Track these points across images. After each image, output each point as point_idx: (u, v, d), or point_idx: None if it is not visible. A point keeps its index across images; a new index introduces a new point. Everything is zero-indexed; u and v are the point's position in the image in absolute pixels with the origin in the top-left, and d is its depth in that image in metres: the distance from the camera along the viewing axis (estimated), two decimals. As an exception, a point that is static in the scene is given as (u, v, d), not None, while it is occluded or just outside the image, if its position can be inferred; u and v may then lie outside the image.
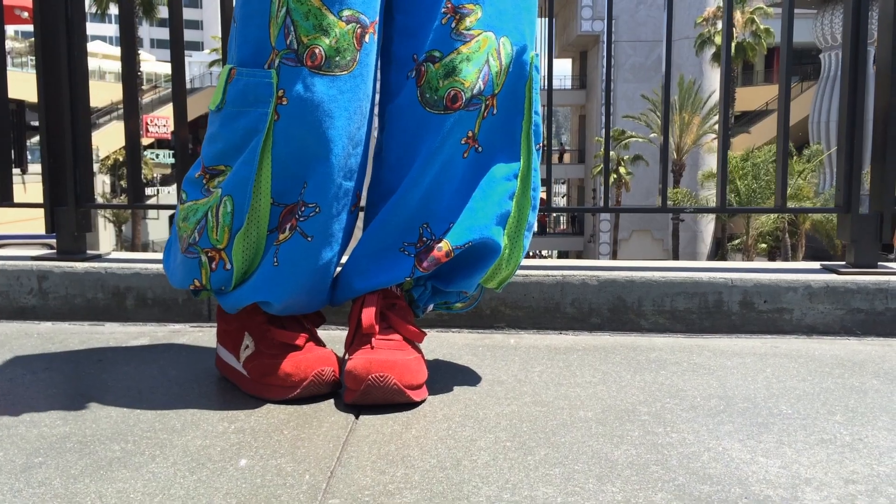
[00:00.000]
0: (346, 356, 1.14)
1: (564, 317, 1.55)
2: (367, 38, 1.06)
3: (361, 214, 1.24)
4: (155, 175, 32.78)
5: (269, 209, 1.09)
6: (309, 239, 1.09)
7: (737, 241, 26.34)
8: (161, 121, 32.27)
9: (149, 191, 31.97)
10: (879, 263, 1.57)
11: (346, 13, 1.04)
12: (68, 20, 1.76)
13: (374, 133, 1.20)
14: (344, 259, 1.24)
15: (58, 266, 1.67)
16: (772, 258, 26.43)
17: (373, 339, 1.12)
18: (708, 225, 32.12)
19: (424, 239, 1.14)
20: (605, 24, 1.75)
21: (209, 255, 1.12)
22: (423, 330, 1.18)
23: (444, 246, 1.12)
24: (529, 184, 1.16)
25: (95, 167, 28.23)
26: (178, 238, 1.17)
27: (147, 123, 31.17)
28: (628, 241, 34.96)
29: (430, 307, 1.25)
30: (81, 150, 1.73)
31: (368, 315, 1.12)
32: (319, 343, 1.18)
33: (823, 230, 25.04)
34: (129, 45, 1.84)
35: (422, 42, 1.11)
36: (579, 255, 38.95)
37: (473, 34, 1.09)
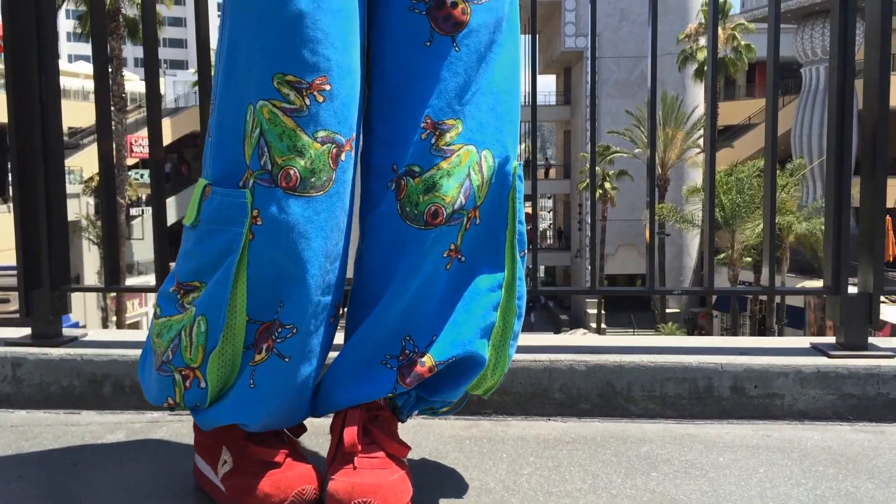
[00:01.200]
0: (328, 474, 1.10)
1: (553, 402, 1.52)
2: (343, 157, 1.04)
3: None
4: (140, 195, 32.57)
5: (245, 326, 1.06)
6: (286, 360, 1.06)
7: (722, 256, 26.43)
8: (145, 140, 32.08)
9: (134, 211, 31.75)
10: (870, 342, 1.55)
11: (320, 134, 1.01)
12: (41, 94, 1.72)
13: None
14: (330, 358, 1.20)
15: (32, 353, 1.62)
16: (757, 271, 26.51)
17: (355, 459, 1.08)
18: (694, 239, 32.30)
19: (407, 351, 1.11)
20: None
21: (183, 373, 1.08)
22: (407, 444, 1.15)
23: (427, 361, 1.09)
24: (514, 293, 1.14)
25: (79, 188, 28.01)
26: (153, 352, 1.13)
27: (131, 143, 30.98)
28: (615, 256, 35.08)
29: (416, 413, 1.21)
30: (56, 229, 1.69)
31: (350, 434, 1.08)
32: (300, 457, 1.14)
33: (808, 244, 25.21)
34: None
35: (401, 153, 1.08)
36: (566, 270, 38.98)
37: (454, 149, 1.06)
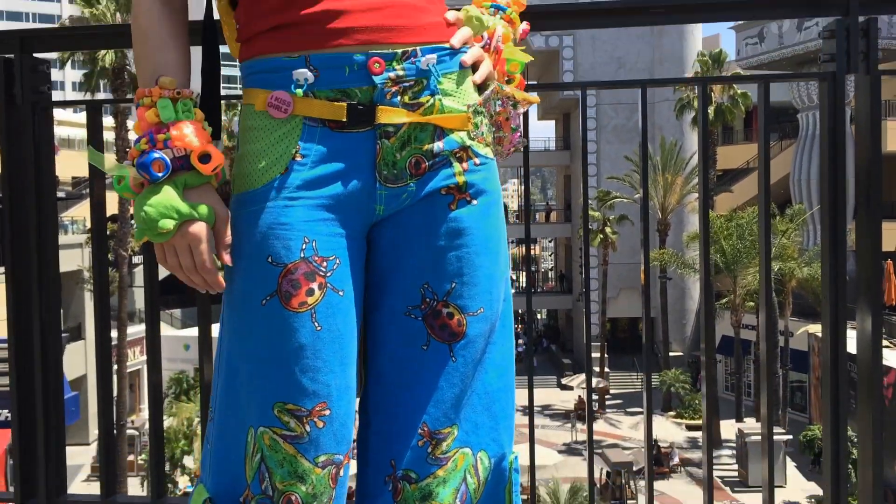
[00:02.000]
0: None
1: None
2: (341, 473, 1.04)
3: None
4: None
5: None
6: None
7: (724, 301, 26.35)
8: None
9: (136, 258, 31.77)
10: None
11: (321, 459, 1.02)
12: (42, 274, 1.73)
13: None
14: None
15: (26, 573, 1.61)
16: (759, 315, 26.38)
17: None
18: (696, 283, 32.24)
19: None
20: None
21: None
22: None
23: None
24: (512, 576, 1.13)
25: (82, 238, 28.10)
26: None
27: (134, 193, 31.06)
28: (617, 299, 35.01)
29: None
30: (53, 441, 1.69)
31: None
32: None
33: (810, 288, 25.14)
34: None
35: (399, 451, 1.08)
36: (568, 314, 38.86)
37: (450, 455, 1.07)
